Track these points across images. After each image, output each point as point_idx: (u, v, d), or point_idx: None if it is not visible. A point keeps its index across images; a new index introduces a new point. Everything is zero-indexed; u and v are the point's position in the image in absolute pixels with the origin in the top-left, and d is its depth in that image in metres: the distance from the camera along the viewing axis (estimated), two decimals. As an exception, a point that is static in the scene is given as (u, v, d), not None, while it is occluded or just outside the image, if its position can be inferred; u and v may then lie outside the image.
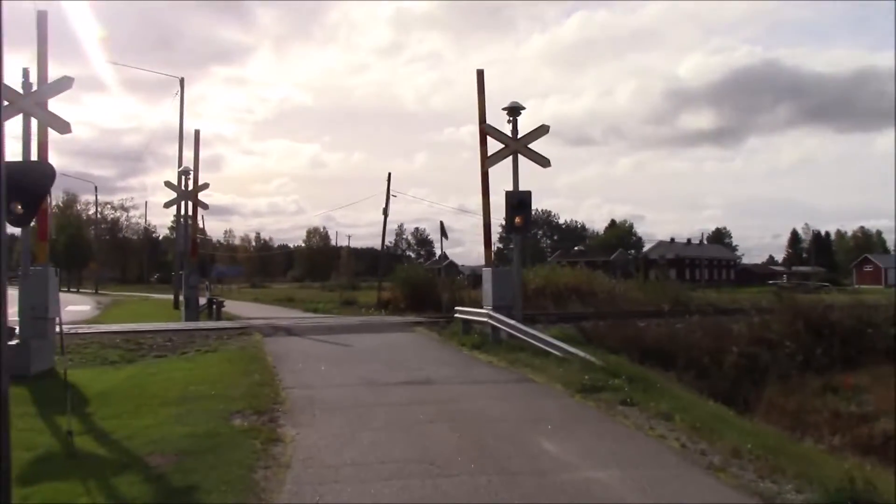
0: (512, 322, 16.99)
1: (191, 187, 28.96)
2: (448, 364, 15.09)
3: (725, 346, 21.16)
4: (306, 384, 12.62)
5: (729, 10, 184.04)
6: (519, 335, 16.57)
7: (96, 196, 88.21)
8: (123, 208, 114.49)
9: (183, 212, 31.26)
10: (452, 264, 76.07)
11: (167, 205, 30.38)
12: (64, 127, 14.02)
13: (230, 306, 40.54)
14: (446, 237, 29.57)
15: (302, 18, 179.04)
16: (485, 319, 18.18)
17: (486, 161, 18.94)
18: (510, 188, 18.47)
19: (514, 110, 18.63)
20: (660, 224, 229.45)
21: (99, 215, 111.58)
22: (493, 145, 19.09)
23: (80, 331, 20.98)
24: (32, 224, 13.27)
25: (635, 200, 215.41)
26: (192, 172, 28.80)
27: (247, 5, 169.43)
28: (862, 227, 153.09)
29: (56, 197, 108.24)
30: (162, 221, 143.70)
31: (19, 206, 8.61)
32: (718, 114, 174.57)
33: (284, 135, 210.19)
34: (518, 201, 18.02)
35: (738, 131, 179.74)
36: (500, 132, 18.67)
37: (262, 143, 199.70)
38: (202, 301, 30.38)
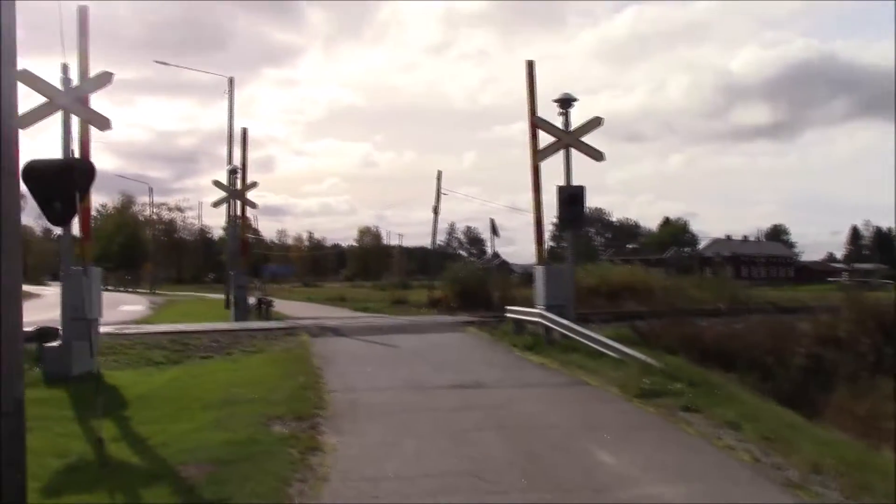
0: (565, 322, 16.33)
1: (239, 186, 28.74)
2: (498, 366, 14.50)
3: (789, 346, 20.20)
4: (350, 387, 12.15)
5: (783, 2, 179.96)
6: (572, 335, 15.92)
7: (151, 197, 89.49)
8: (179, 209, 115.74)
9: (233, 211, 31.13)
10: (504, 263, 75.33)
11: (215, 204, 30.25)
12: (104, 123, 13.71)
13: (281, 306, 40.44)
14: (497, 235, 29.11)
15: (351, 18, 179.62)
16: (537, 319, 17.52)
17: (538, 155, 18.28)
18: (562, 184, 17.83)
19: (565, 102, 17.96)
20: (713, 221, 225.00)
21: (155, 216, 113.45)
22: (544, 139, 18.46)
23: (127, 331, 20.83)
24: (75, 222, 12.93)
25: (688, 197, 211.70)
26: (240, 171, 28.56)
27: (297, 6, 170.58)
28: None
29: (113, 198, 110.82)
30: (216, 222, 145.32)
31: (58, 204, 8.36)
32: (772, 108, 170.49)
33: (335, 135, 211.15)
34: (570, 196, 17.37)
35: (792, 125, 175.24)
36: (552, 125, 18.02)
37: (312, 144, 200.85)
38: (252, 300, 30.25)
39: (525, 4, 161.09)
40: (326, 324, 23.40)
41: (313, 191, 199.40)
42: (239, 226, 29.23)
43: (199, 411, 10.42)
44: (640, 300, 34.55)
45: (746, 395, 12.77)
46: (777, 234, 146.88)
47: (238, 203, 29.59)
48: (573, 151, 17.99)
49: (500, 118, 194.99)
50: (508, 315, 19.97)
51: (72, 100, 13.49)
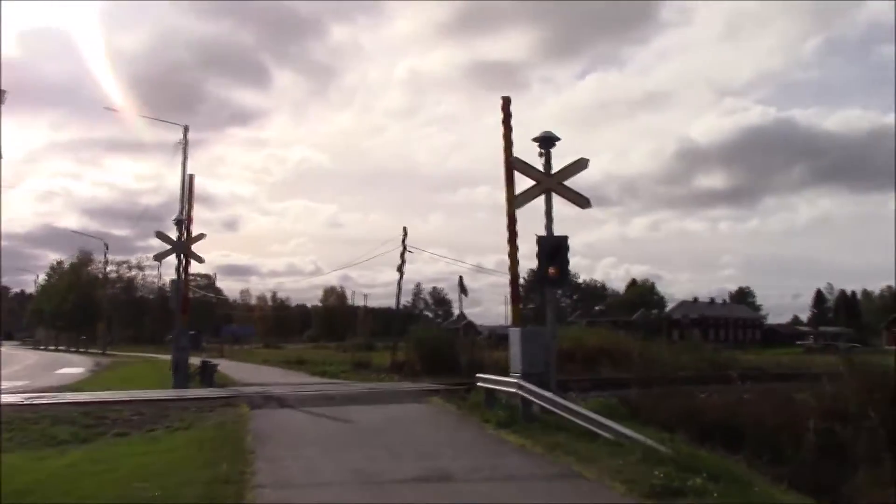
0: (548, 395, 13.85)
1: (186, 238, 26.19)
2: (470, 449, 11.97)
3: (796, 422, 17.89)
4: (284, 481, 9.59)
5: (741, 71, 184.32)
6: (557, 410, 13.45)
7: (106, 254, 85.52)
8: (140, 267, 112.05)
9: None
10: (471, 324, 72.89)
11: (157, 257, 27.74)
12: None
13: (233, 369, 37.68)
14: (466, 294, 26.76)
15: (319, 82, 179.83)
16: (514, 390, 14.99)
17: (514, 200, 16.05)
18: (541, 234, 15.59)
19: (546, 141, 15.79)
20: (677, 284, 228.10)
21: (115, 274, 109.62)
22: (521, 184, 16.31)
23: (39, 401, 18.06)
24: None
25: (652, 260, 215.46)
26: (185, 222, 26.04)
27: (265, 69, 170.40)
28: (889, 286, 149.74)
29: (71, 256, 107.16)
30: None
31: None
32: (732, 174, 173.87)
33: (302, 195, 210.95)
34: (553, 248, 15.11)
35: (752, 191, 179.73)
36: (531, 167, 15.77)
37: (279, 204, 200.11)
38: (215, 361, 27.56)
39: (490, 71, 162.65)
40: (274, 392, 20.76)
41: (279, 250, 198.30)
42: (181, 282, 26.50)
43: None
44: (617, 365, 32.41)
45: (780, 491, 10.40)
46: (743, 296, 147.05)
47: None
48: (555, 197, 15.79)
49: (466, 181, 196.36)
50: (479, 384, 17.38)
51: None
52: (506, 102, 16.86)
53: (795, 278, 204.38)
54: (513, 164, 16.08)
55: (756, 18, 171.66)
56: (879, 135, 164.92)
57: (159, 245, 26.55)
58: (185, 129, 37.20)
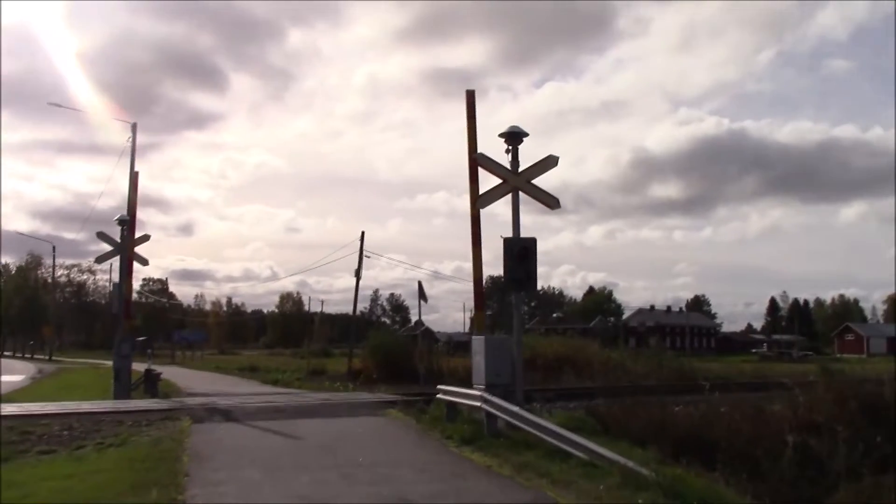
0: (515, 410, 12.75)
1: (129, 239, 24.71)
2: (430, 470, 10.83)
3: (771, 435, 17.07)
4: (220, 510, 8.43)
5: (695, 82, 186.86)
6: (525, 426, 12.39)
7: (54, 257, 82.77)
8: (91, 271, 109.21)
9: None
10: (428, 331, 71.80)
11: (99, 259, 26.25)
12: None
13: (182, 377, 36.20)
14: (425, 300, 25.67)
15: (276, 86, 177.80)
16: (478, 404, 13.87)
17: (479, 200, 15.00)
18: (508, 235, 14.54)
19: (513, 136, 14.72)
20: (633, 292, 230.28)
21: (66, 278, 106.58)
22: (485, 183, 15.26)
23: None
24: None
25: (608, 268, 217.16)
26: (128, 222, 24.56)
27: (221, 72, 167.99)
28: (842, 295, 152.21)
29: (20, 259, 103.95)
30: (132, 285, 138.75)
31: None
32: (687, 183, 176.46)
33: (259, 200, 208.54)
34: (522, 250, 14.07)
35: (706, 201, 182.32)
36: (498, 164, 14.69)
37: (236, 208, 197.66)
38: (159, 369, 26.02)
39: (448, 78, 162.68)
40: (219, 403, 19.42)
41: (236, 255, 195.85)
42: (123, 285, 25.02)
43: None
44: (580, 374, 31.58)
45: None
46: (698, 304, 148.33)
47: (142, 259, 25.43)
48: (522, 197, 14.74)
49: (423, 187, 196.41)
50: (441, 397, 16.17)
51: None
52: (470, 96, 15.92)
53: (748, 286, 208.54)
54: (477, 161, 15.05)
55: (710, 30, 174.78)
56: (829, 147, 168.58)
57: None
58: (134, 127, 35.58)
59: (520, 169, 14.68)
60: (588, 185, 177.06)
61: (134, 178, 25.30)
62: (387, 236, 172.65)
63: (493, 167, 14.73)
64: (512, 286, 14.40)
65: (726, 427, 16.70)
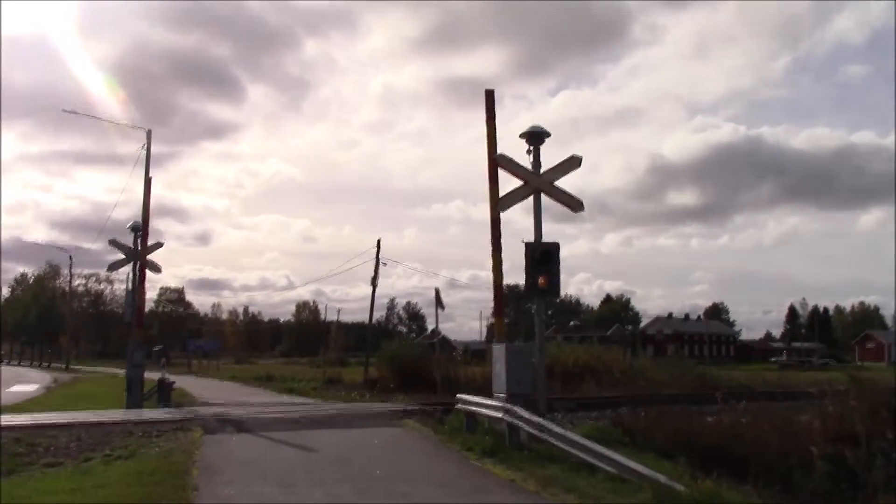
0: (539, 420, 12.23)
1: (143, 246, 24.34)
2: (451, 485, 10.30)
3: (802, 446, 16.40)
4: (229, 529, 7.94)
5: (711, 89, 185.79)
6: (549, 438, 11.85)
7: (71, 266, 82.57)
8: (109, 280, 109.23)
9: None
10: (445, 339, 71.29)
11: (111, 267, 25.93)
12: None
13: (197, 386, 35.85)
14: (443, 307, 25.19)
15: (292, 96, 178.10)
16: (500, 415, 13.30)
17: (500, 203, 14.49)
18: (529, 239, 14.02)
19: (535, 136, 14.23)
20: (649, 300, 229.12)
21: (83, 287, 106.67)
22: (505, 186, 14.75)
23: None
24: None
25: (625, 276, 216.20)
26: (141, 229, 24.19)
27: (238, 83, 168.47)
28: (861, 303, 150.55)
29: (39, 269, 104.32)
30: (149, 294, 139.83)
31: None
32: (703, 191, 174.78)
33: (275, 209, 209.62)
34: (544, 254, 13.56)
35: (723, 208, 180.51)
36: (519, 165, 14.19)
37: (252, 218, 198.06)
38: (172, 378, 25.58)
39: (463, 88, 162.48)
40: (233, 414, 18.97)
41: (252, 264, 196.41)
42: (136, 293, 24.64)
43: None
44: (600, 382, 30.92)
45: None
46: (716, 312, 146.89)
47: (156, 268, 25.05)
48: (545, 200, 14.23)
49: (438, 196, 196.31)
50: (459, 406, 15.65)
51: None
52: (489, 96, 15.45)
53: (765, 294, 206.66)
54: (498, 162, 14.55)
55: (725, 37, 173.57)
56: (846, 153, 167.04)
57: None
58: (149, 134, 35.36)
59: (541, 171, 14.17)
60: (604, 193, 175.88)
61: (147, 184, 24.92)
62: (402, 245, 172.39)
63: (514, 168, 14.23)
64: (533, 291, 13.85)
65: (755, 438, 16.06)
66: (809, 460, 15.76)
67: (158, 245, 24.82)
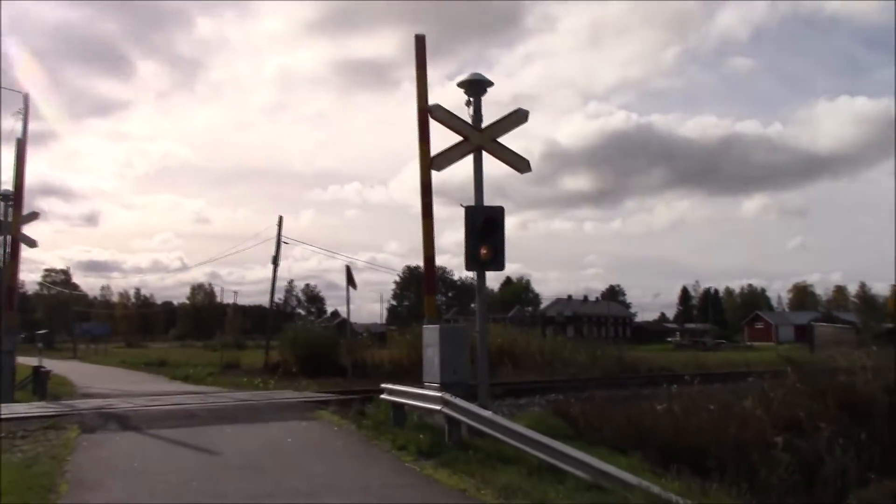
0: (488, 415, 10.38)
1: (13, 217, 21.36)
2: (390, 498, 8.36)
3: (755, 435, 15.14)
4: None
5: (604, 77, 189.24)
6: (498, 435, 10.01)
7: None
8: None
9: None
10: (345, 321, 69.16)
11: (-24, 239, 22.87)
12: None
13: (81, 374, 32.89)
14: (354, 286, 23.04)
15: (184, 75, 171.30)
16: (438, 407, 11.36)
17: (434, 161, 12.51)
18: (469, 204, 12.13)
19: (475, 84, 12.33)
20: (546, 282, 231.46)
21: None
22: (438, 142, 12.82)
23: None
24: None
25: (522, 259, 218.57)
26: (12, 198, 21.21)
27: (127, 59, 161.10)
28: (750, 285, 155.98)
29: None
30: (30, 277, 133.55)
31: None
32: (596, 176, 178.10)
33: (167, 190, 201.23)
34: (487, 221, 11.71)
35: (615, 193, 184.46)
36: (457, 117, 12.26)
37: (143, 198, 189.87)
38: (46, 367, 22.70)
39: (360, 70, 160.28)
40: (117, 407, 16.47)
41: (143, 246, 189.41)
42: (7, 270, 21.65)
43: None
44: (520, 366, 29.49)
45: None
46: (614, 294, 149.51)
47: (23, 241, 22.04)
48: (487, 158, 12.36)
49: (336, 179, 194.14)
50: (386, 397, 13.47)
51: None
52: (420, 41, 13.47)
53: (655, 277, 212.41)
54: (432, 113, 12.54)
55: (617, 28, 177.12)
56: (732, 141, 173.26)
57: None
58: (26, 98, 32.01)
59: (483, 125, 12.29)
60: (501, 178, 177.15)
61: (21, 146, 21.87)
62: (299, 227, 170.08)
63: (451, 122, 12.28)
64: (475, 264, 11.97)
65: (709, 429, 14.68)
66: (766, 451, 14.55)
67: (33, 216, 21.93)
